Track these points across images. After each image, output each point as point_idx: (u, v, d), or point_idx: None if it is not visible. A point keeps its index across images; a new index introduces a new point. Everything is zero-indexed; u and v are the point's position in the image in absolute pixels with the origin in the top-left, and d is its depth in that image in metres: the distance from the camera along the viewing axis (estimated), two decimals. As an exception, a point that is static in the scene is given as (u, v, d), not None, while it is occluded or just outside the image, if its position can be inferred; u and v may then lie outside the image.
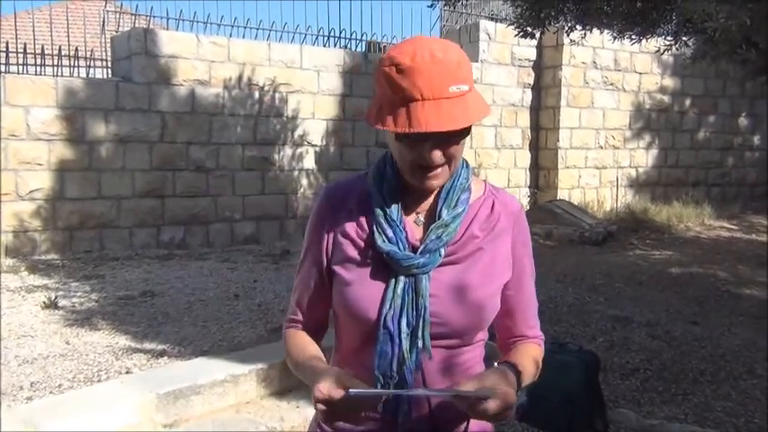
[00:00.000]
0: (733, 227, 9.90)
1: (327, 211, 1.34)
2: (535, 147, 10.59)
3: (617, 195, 10.75)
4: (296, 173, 8.58)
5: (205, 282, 6.04)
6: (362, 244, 1.30)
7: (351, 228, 1.31)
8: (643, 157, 11.19)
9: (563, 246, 8.26)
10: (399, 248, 1.27)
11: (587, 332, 4.98)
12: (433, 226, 1.29)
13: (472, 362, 1.34)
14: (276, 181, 8.43)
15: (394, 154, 1.29)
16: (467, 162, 1.36)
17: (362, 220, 1.31)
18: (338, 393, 1.14)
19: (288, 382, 3.77)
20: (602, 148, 10.76)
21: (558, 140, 10.31)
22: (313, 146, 8.66)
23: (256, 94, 8.20)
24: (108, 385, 3.58)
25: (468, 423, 1.33)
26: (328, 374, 1.19)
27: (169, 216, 7.74)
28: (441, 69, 1.17)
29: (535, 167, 10.63)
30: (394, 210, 1.30)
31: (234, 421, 3.50)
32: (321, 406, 1.16)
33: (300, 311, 1.39)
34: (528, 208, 10.17)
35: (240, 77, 8.06)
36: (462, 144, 1.26)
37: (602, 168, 10.81)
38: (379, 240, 1.27)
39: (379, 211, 1.29)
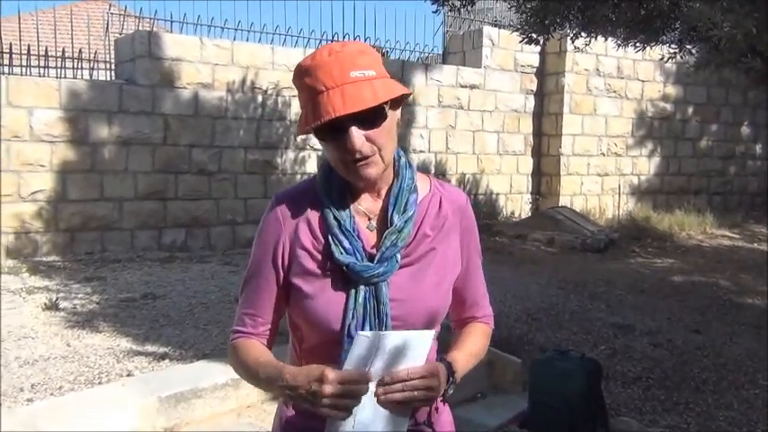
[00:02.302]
0: (735, 235, 9.89)
1: (279, 221, 1.32)
2: (537, 153, 10.59)
3: (619, 203, 10.75)
4: (298, 177, 8.58)
5: (206, 285, 6.04)
6: (319, 255, 1.29)
7: (306, 239, 1.30)
8: (645, 164, 11.19)
9: (565, 253, 8.25)
10: (357, 259, 1.27)
11: (589, 340, 4.97)
12: (386, 233, 1.29)
13: (429, 355, 1.35)
14: (278, 184, 8.43)
15: (326, 157, 1.30)
16: (410, 162, 1.37)
17: (317, 230, 1.30)
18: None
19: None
20: (604, 155, 10.76)
21: (561, 147, 10.32)
22: (315, 150, 8.66)
23: (259, 98, 8.21)
24: (109, 388, 3.57)
25: (429, 414, 1.35)
26: (318, 367, 1.18)
27: (171, 219, 7.74)
28: (339, 59, 1.21)
29: (537, 174, 10.63)
30: (347, 218, 1.29)
31: (235, 425, 3.48)
32: (334, 393, 1.13)
33: (252, 324, 1.35)
34: (530, 214, 10.17)
35: (243, 81, 8.07)
36: (385, 129, 1.24)
37: (605, 175, 10.81)
38: (336, 252, 1.27)
39: (333, 222, 1.29)
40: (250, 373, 1.32)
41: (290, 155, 8.50)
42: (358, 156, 1.22)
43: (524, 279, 6.70)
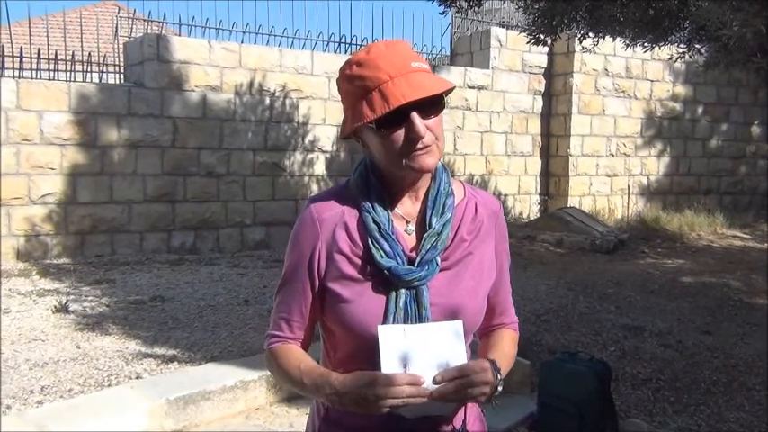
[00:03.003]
0: (746, 236, 9.82)
1: (316, 225, 1.31)
2: (546, 154, 10.56)
3: (628, 203, 10.70)
4: (306, 179, 8.59)
5: (215, 287, 6.05)
6: (357, 260, 1.28)
7: (344, 243, 1.29)
8: (654, 165, 11.13)
9: (574, 254, 8.22)
10: (398, 262, 1.26)
11: (598, 341, 4.95)
12: (426, 236, 1.29)
13: None
14: (287, 187, 8.45)
15: (378, 153, 1.28)
16: (445, 166, 1.37)
17: (355, 234, 1.29)
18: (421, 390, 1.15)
19: (297, 388, 3.75)
20: (613, 155, 10.71)
21: (569, 148, 10.28)
22: (323, 152, 8.68)
23: (267, 100, 8.22)
24: (118, 390, 3.58)
25: (465, 417, 1.34)
26: (367, 372, 1.18)
27: (180, 221, 7.77)
28: (398, 50, 1.24)
29: (546, 174, 10.60)
30: (386, 222, 1.29)
31: (243, 427, 3.49)
32: (401, 400, 1.14)
33: (289, 328, 1.35)
34: (538, 215, 10.14)
35: (251, 83, 8.09)
36: (441, 120, 1.26)
37: (614, 176, 10.77)
38: (377, 256, 1.26)
39: (372, 225, 1.28)
40: (292, 379, 1.31)
41: (299, 157, 8.51)
42: (420, 145, 1.23)
43: (533, 280, 6.68)
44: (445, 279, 1.30)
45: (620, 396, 3.90)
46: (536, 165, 10.52)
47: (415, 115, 1.21)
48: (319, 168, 8.66)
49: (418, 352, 1.18)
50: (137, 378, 3.81)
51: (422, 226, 1.31)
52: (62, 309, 5.07)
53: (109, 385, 3.70)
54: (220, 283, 6.21)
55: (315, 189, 8.66)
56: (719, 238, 9.53)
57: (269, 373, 3.68)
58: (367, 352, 1.24)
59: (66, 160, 7.10)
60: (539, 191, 10.55)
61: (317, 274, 1.31)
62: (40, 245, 7.01)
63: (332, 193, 1.36)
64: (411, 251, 1.29)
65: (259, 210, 8.26)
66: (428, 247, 1.28)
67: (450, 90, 1.25)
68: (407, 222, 1.33)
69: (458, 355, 1.20)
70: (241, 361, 4.00)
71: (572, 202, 10.22)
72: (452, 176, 1.40)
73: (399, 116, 1.21)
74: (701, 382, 4.25)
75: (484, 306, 1.36)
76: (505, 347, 1.40)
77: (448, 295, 1.29)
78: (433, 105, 1.23)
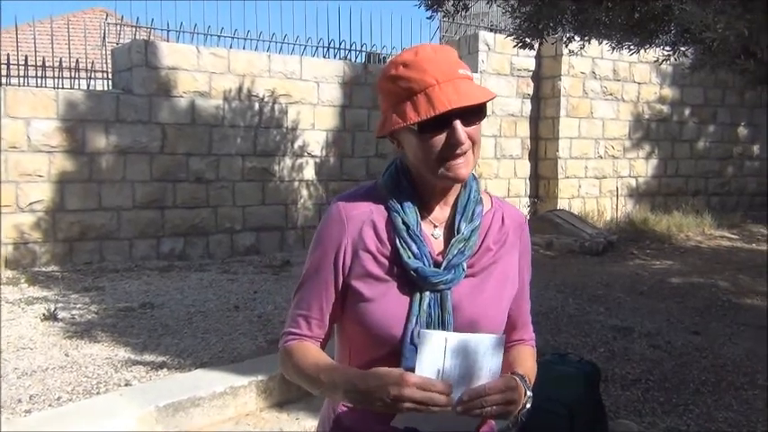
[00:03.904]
0: (733, 236, 9.89)
1: (343, 222, 1.30)
2: (535, 157, 10.60)
3: (617, 205, 10.76)
4: (296, 184, 8.59)
5: (205, 293, 6.03)
6: (384, 259, 1.27)
7: (371, 242, 1.28)
8: (643, 166, 11.20)
9: (563, 256, 8.25)
10: (425, 264, 1.26)
11: (588, 342, 4.97)
12: (454, 240, 1.29)
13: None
14: (276, 192, 8.44)
15: (414, 156, 1.27)
16: (474, 175, 1.37)
17: (383, 233, 1.29)
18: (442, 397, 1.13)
19: (288, 394, 3.76)
20: (601, 157, 10.77)
21: (558, 150, 10.33)
22: (313, 157, 8.68)
23: (256, 106, 8.22)
24: (107, 398, 3.57)
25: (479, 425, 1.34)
26: (395, 370, 1.16)
27: (169, 227, 7.75)
28: (445, 56, 1.25)
29: (535, 177, 10.64)
30: (415, 223, 1.28)
31: (233, 433, 3.48)
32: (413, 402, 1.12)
33: (307, 325, 1.33)
34: (528, 218, 10.17)
35: (240, 89, 8.09)
36: (480, 127, 1.27)
37: (602, 178, 10.82)
38: (405, 256, 1.26)
39: (401, 226, 1.27)
40: (308, 377, 1.28)
41: (288, 162, 8.51)
42: (459, 151, 1.23)
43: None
44: (469, 286, 1.30)
45: (610, 397, 3.91)
46: (525, 168, 10.56)
47: (457, 122, 1.21)
48: (309, 173, 8.66)
49: (456, 362, 1.16)
50: (126, 385, 3.79)
51: (450, 231, 1.31)
52: (51, 317, 5.05)
53: (98, 393, 3.68)
54: (210, 290, 6.19)
55: (305, 194, 8.66)
56: (707, 239, 9.60)
57: (259, 378, 3.71)
58: (387, 359, 1.22)
59: (55, 167, 7.07)
60: (528, 193, 10.59)
61: (341, 271, 1.29)
62: (29, 252, 6.97)
63: (360, 192, 1.35)
64: (437, 255, 1.29)
65: (249, 215, 8.24)
66: (455, 251, 1.28)
67: (492, 99, 1.26)
68: (435, 227, 1.32)
69: (493, 370, 1.18)
70: (231, 367, 4.00)
71: (561, 204, 10.26)
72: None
73: (442, 122, 1.21)
74: (689, 382, 4.28)
75: (505, 318, 1.35)
76: (530, 364, 1.38)
77: (471, 302, 1.29)
78: (474, 114, 1.24)
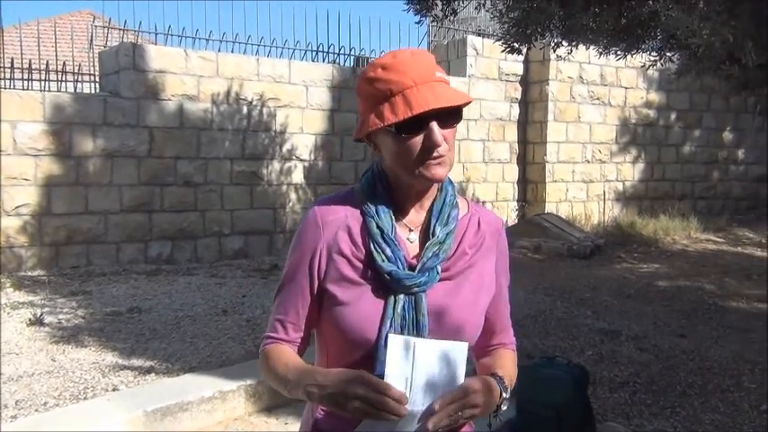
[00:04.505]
0: (719, 240, 9.98)
1: (318, 227, 1.31)
2: (523, 161, 10.65)
3: (604, 209, 10.82)
4: (284, 187, 8.58)
5: (193, 297, 6.01)
6: (358, 263, 1.29)
7: (345, 246, 1.29)
8: (630, 170, 11.28)
9: (551, 259, 8.29)
10: (399, 267, 1.27)
11: (576, 346, 4.99)
12: (429, 243, 1.29)
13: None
14: (265, 195, 8.43)
15: (391, 159, 1.29)
16: (451, 179, 1.38)
17: (357, 237, 1.30)
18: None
19: (276, 398, 3.74)
20: (588, 162, 10.84)
21: (546, 154, 10.38)
22: (301, 160, 8.67)
23: (245, 109, 8.21)
24: (95, 403, 3.55)
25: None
26: (356, 371, 1.17)
27: (157, 231, 7.71)
28: (423, 59, 1.27)
29: (523, 181, 10.69)
30: (390, 227, 1.29)
31: (222, 438, 3.47)
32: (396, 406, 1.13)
33: (284, 329, 1.34)
34: (516, 221, 10.21)
35: (229, 92, 8.07)
36: (455, 131, 1.29)
37: (590, 182, 10.89)
38: (378, 260, 1.27)
39: (375, 230, 1.28)
40: (279, 377, 1.30)
41: (276, 165, 8.50)
42: (436, 154, 1.24)
43: (511, 286, 6.70)
44: (445, 289, 1.30)
45: (598, 400, 3.93)
46: (513, 172, 10.60)
47: (434, 124, 1.23)
48: (297, 177, 8.65)
49: (423, 368, 1.17)
50: (113, 390, 3.77)
51: (425, 235, 1.32)
52: (37, 321, 5.01)
53: (85, 398, 3.66)
54: (198, 294, 6.17)
55: (293, 198, 8.65)
56: (694, 243, 9.67)
57: (248, 382, 3.70)
58: (362, 356, 1.24)
59: (41, 171, 7.02)
60: (516, 197, 10.64)
61: (316, 275, 1.31)
62: (15, 257, 6.92)
63: (338, 197, 1.37)
64: (412, 259, 1.29)
65: (237, 219, 8.22)
66: (430, 254, 1.28)
67: (468, 103, 1.28)
68: (410, 230, 1.33)
69: (457, 377, 1.20)
70: (219, 371, 3.98)
71: (549, 208, 10.31)
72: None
73: (419, 123, 1.23)
74: (676, 384, 4.31)
75: (481, 322, 1.36)
76: (509, 367, 1.40)
77: (446, 305, 1.29)
78: (451, 116, 1.26)
